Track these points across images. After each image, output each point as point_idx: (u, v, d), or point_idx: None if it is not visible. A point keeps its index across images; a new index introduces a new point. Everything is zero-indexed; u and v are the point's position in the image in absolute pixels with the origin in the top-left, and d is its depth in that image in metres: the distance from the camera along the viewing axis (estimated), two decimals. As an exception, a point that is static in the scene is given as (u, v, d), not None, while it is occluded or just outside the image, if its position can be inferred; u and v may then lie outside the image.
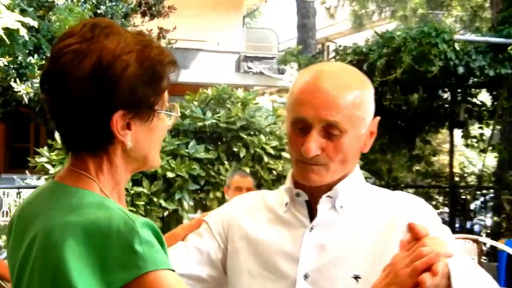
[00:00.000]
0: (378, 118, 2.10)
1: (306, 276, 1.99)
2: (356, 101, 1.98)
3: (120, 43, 1.68)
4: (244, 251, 2.12)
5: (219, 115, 9.18)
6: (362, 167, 7.69)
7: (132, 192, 8.34)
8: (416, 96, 12.58)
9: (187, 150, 8.81)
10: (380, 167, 12.63)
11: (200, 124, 9.05)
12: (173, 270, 1.59)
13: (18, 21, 8.42)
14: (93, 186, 1.69)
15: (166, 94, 1.78)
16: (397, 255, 1.69)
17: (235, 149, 9.04)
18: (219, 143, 9.30)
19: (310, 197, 2.08)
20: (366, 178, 8.12)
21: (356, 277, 1.95)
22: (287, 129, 2.07)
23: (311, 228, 2.05)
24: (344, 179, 2.06)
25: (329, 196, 2.05)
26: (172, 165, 8.53)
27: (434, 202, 14.37)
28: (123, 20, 17.29)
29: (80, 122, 1.67)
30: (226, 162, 8.97)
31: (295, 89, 2.03)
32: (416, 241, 1.68)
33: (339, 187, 2.05)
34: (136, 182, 8.43)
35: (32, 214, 1.71)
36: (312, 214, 2.08)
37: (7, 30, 8.49)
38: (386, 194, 2.16)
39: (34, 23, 9.04)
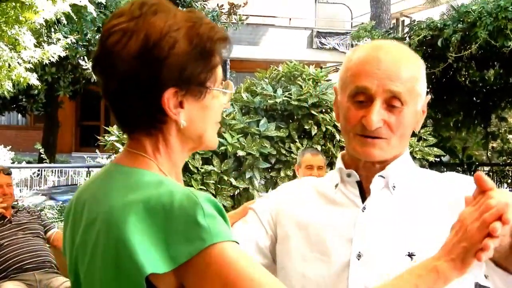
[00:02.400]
0: (429, 97, 2.13)
1: (359, 256, 1.97)
2: (416, 75, 2.01)
3: (168, 20, 1.67)
4: (294, 236, 2.10)
5: (290, 92, 9.07)
6: (435, 145, 7.59)
7: (202, 170, 8.31)
8: (492, 72, 12.33)
9: (257, 128, 8.73)
10: (455, 145, 12.46)
11: (271, 101, 8.96)
12: (237, 242, 1.57)
13: (85, -4, 8.44)
14: (151, 166, 1.70)
15: (219, 70, 1.76)
16: (464, 211, 1.66)
17: (306, 127, 8.93)
18: (290, 120, 9.18)
19: (361, 177, 2.07)
20: (440, 156, 7.96)
21: (411, 255, 1.93)
22: (341, 104, 2.06)
23: (364, 208, 2.04)
24: (396, 159, 2.06)
25: (381, 176, 2.05)
26: (243, 143, 8.47)
27: (509, 180, 14.13)
28: (193, -6, 17.28)
29: (131, 102, 1.68)
30: (297, 140, 8.86)
31: (353, 62, 2.03)
32: (482, 195, 1.64)
33: (392, 166, 2.05)
34: (206, 160, 8.40)
35: (90, 197, 1.72)
36: (363, 194, 2.07)
37: (74, 7, 8.53)
38: (437, 174, 2.16)
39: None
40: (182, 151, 1.77)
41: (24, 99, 18.47)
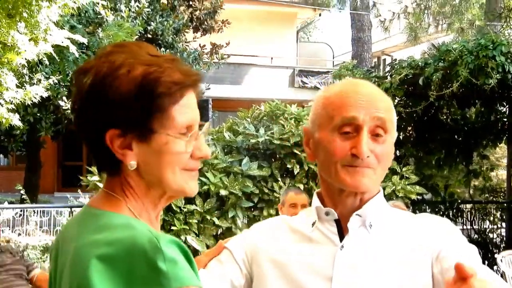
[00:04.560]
0: (396, 134, 2.13)
1: None
2: (391, 107, 2.08)
3: (125, 59, 1.66)
4: (271, 274, 2.09)
5: (272, 131, 9.09)
6: (418, 183, 7.61)
7: (185, 210, 8.30)
8: (473, 110, 12.38)
9: (240, 167, 8.74)
10: (437, 183, 12.45)
11: (253, 141, 8.98)
12: (200, 286, 1.55)
13: (68, 38, 8.45)
14: (121, 207, 1.70)
15: (176, 115, 1.70)
16: None
17: (289, 166, 8.94)
18: (273, 160, 9.20)
19: (340, 215, 2.08)
20: (422, 194, 8.00)
21: None
22: (321, 140, 2.06)
23: (342, 247, 2.04)
24: (372, 198, 2.08)
25: (358, 215, 2.06)
26: (225, 183, 8.47)
27: (491, 218, 14.15)
28: (174, 36, 17.35)
29: (88, 141, 1.71)
30: (280, 179, 8.87)
31: (332, 97, 2.06)
32: (462, 282, 1.62)
33: (369, 205, 2.06)
34: (189, 200, 8.36)
35: (68, 236, 1.73)
36: (341, 233, 2.07)
37: (57, 47, 8.54)
38: (411, 215, 2.19)
39: (84, 40, 9.07)
40: (148, 195, 1.74)
41: (5, 140, 18.38)
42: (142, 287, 1.48)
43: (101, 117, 1.64)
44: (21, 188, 15.87)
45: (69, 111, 10.88)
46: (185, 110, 1.71)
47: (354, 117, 1.98)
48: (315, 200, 2.14)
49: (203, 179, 8.35)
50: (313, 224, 2.12)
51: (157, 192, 1.75)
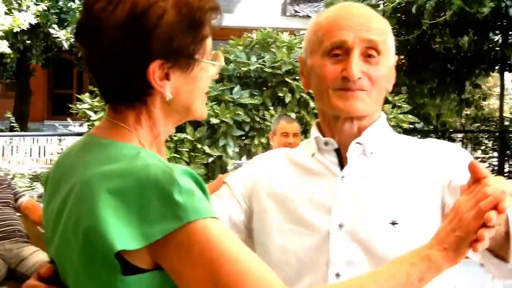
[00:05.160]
0: (397, 57, 2.09)
1: (341, 226, 1.94)
2: (386, 29, 2.03)
3: None
4: (271, 209, 2.06)
5: (264, 59, 9.04)
6: (410, 112, 7.61)
7: (175, 138, 8.28)
8: (466, 39, 12.32)
9: (231, 96, 8.71)
10: (429, 112, 12.49)
11: (244, 69, 8.92)
12: (217, 218, 1.50)
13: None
14: (131, 138, 1.62)
15: (209, 42, 1.68)
16: (460, 199, 1.60)
17: (280, 94, 8.90)
18: (264, 88, 9.17)
19: (340, 144, 2.03)
20: (414, 123, 7.98)
21: (393, 223, 1.90)
22: (313, 65, 2.02)
23: (343, 177, 2.00)
24: (372, 125, 2.03)
25: (358, 143, 2.01)
26: (216, 111, 8.44)
27: (483, 147, 14.22)
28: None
29: (116, 73, 1.60)
30: (271, 108, 8.84)
31: (323, 22, 2.02)
32: (477, 183, 1.58)
33: (369, 132, 2.01)
34: (179, 128, 8.32)
35: (68, 168, 1.66)
36: (342, 163, 2.03)
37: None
38: (416, 140, 2.14)
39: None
40: (166, 124, 1.70)
41: (-7, 67, 18.28)
42: (158, 221, 1.44)
43: (145, 49, 1.57)
44: (10, 116, 15.84)
45: (59, 39, 10.72)
46: (211, 34, 1.70)
47: (343, 40, 1.94)
48: (314, 131, 2.09)
49: (194, 107, 8.24)
50: (313, 155, 2.08)
51: (177, 119, 1.72)
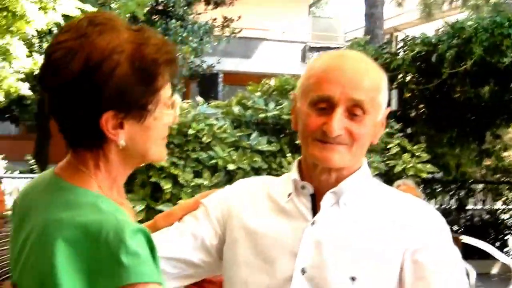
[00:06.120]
0: (389, 109, 2.12)
1: (303, 271, 1.98)
2: (377, 86, 2.03)
3: (112, 41, 1.65)
4: (242, 241, 2.10)
5: (282, 106, 9.01)
6: (429, 161, 7.50)
7: (192, 184, 8.22)
8: (487, 88, 12.23)
9: (248, 142, 8.66)
10: (448, 162, 12.36)
11: (262, 115, 8.90)
12: (160, 283, 1.55)
13: (78, 8, 8.39)
14: (90, 184, 1.70)
15: (164, 91, 1.75)
16: None
17: (297, 142, 8.83)
18: (282, 135, 9.10)
19: (316, 191, 2.06)
20: (433, 172, 7.88)
21: (353, 278, 1.94)
22: (300, 110, 2.05)
23: (313, 223, 2.03)
24: (351, 176, 2.05)
25: (333, 192, 2.04)
26: (234, 157, 8.40)
27: (504, 198, 14.08)
28: (185, 8, 17.26)
29: (72, 120, 1.68)
30: (288, 155, 8.78)
31: (315, 69, 2.04)
32: None
33: (345, 183, 2.04)
34: (196, 174, 8.32)
35: (32, 205, 1.74)
36: (315, 209, 2.06)
37: (66, 17, 8.49)
38: (394, 195, 2.15)
39: (94, 10, 9.01)
40: (124, 168, 1.78)
41: (16, 109, 18.43)
42: (103, 276, 1.50)
43: (97, 100, 1.63)
44: (30, 158, 15.90)
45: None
46: (168, 83, 1.76)
47: (329, 96, 1.96)
48: (294, 172, 2.12)
49: (211, 153, 8.30)
50: (289, 195, 2.10)
51: (134, 163, 1.79)
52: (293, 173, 2.12)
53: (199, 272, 2.21)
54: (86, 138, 1.70)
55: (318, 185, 2.05)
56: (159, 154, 1.81)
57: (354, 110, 1.96)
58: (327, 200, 2.03)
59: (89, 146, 1.71)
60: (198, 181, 8.29)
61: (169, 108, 1.79)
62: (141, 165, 1.88)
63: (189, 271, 2.16)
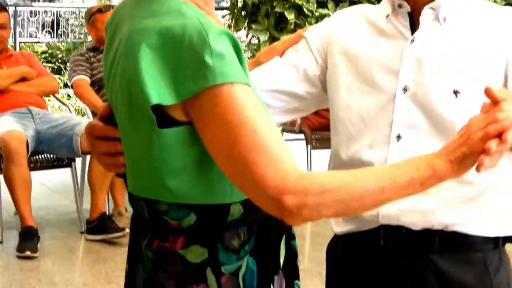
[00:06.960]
0: None
1: (405, 89, 1.97)
2: None
3: None
4: (343, 66, 2.09)
5: None
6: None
7: (316, 14, 8.14)
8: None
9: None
10: None
11: None
12: (248, 84, 1.52)
13: None
14: None
15: None
16: (475, 117, 1.59)
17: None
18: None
19: (413, 8, 2.00)
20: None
21: (455, 92, 1.92)
22: None
23: (412, 40, 1.99)
24: None
25: (431, 8, 1.98)
26: (359, -14, 8.25)
27: None
28: None
29: None
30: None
31: None
32: (496, 105, 1.57)
33: None
34: (321, 4, 8.21)
35: (122, 18, 1.73)
36: (414, 27, 2.02)
37: None
38: (494, 8, 2.08)
39: None
40: None
41: None
42: (188, 79, 1.48)
43: None
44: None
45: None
46: None
47: None
48: None
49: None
50: (387, 16, 2.06)
51: None
52: None
53: (305, 105, 2.20)
54: None
55: (415, 2, 2.00)
56: None
57: None
58: (425, 15, 1.98)
59: None
60: (323, 11, 8.22)
61: None
62: None
63: (294, 104, 2.16)
